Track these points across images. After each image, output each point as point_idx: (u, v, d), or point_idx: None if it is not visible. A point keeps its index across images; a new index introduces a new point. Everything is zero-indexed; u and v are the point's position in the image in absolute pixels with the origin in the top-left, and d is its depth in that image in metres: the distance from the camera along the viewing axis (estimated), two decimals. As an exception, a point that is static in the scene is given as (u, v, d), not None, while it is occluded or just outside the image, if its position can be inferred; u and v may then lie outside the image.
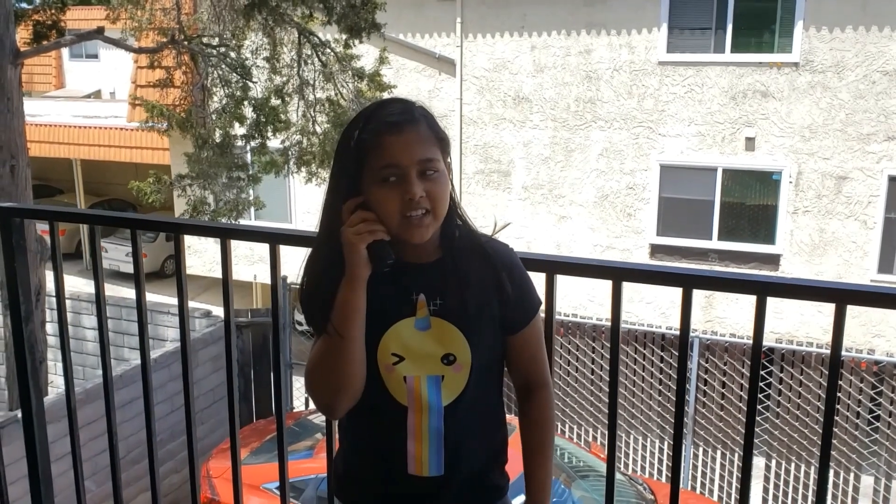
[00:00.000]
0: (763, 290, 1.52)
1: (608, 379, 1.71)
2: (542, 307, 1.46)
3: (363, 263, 1.28)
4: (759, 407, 6.52)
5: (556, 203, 11.30)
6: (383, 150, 1.27)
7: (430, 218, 1.29)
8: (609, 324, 1.67)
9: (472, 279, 1.34)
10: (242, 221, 8.88)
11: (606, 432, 1.72)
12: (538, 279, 1.54)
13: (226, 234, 1.93)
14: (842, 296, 1.45)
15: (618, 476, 6.71)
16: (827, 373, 1.43)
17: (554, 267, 1.65)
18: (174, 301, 2.12)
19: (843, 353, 7.30)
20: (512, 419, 1.57)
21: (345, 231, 1.28)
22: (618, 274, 1.63)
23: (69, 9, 10.37)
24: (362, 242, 1.27)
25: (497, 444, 1.47)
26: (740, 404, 7.54)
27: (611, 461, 1.72)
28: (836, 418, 7.24)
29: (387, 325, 1.34)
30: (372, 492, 1.45)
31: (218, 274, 1.97)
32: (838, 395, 7.10)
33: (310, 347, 1.37)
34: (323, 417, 6.66)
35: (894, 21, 9.45)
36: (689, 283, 1.57)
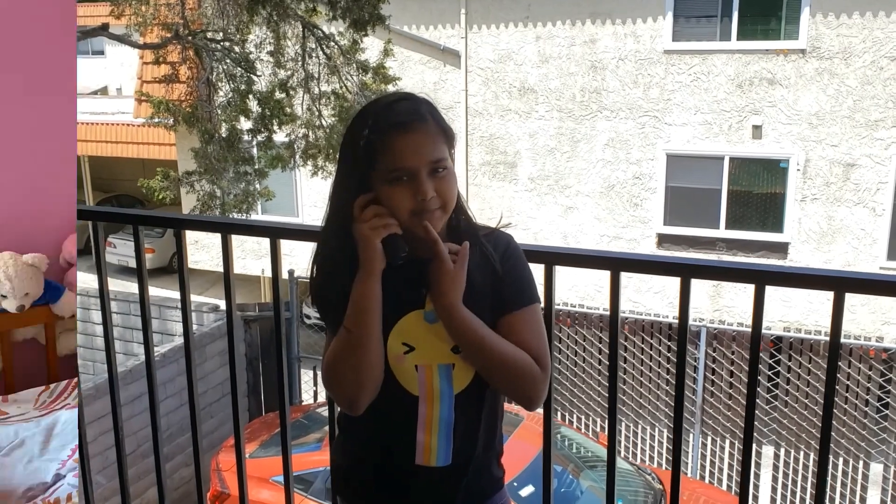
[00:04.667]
0: (761, 278, 1.51)
1: (612, 367, 1.72)
2: (542, 304, 1.44)
3: (379, 257, 1.29)
4: (767, 396, 6.43)
5: (562, 194, 11.28)
6: (393, 153, 1.27)
7: (441, 212, 1.31)
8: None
9: (473, 271, 1.35)
10: (253, 215, 8.90)
11: (608, 418, 1.73)
12: (538, 270, 1.54)
13: (226, 230, 1.94)
14: (840, 283, 1.44)
15: (626, 466, 6.65)
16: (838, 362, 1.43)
17: (552, 258, 1.65)
18: (179, 296, 2.13)
19: (853, 340, 7.27)
20: (510, 407, 1.58)
21: (359, 227, 1.29)
22: (616, 264, 1.63)
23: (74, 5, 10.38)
24: (377, 237, 1.28)
25: (497, 435, 1.48)
26: (748, 393, 7.51)
27: (611, 447, 1.73)
28: (846, 406, 7.20)
29: (396, 318, 1.35)
30: (376, 483, 1.44)
31: (222, 269, 1.99)
32: (847, 383, 7.14)
33: (319, 340, 1.38)
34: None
35: (902, 6, 9.38)
36: (686, 272, 1.57)
